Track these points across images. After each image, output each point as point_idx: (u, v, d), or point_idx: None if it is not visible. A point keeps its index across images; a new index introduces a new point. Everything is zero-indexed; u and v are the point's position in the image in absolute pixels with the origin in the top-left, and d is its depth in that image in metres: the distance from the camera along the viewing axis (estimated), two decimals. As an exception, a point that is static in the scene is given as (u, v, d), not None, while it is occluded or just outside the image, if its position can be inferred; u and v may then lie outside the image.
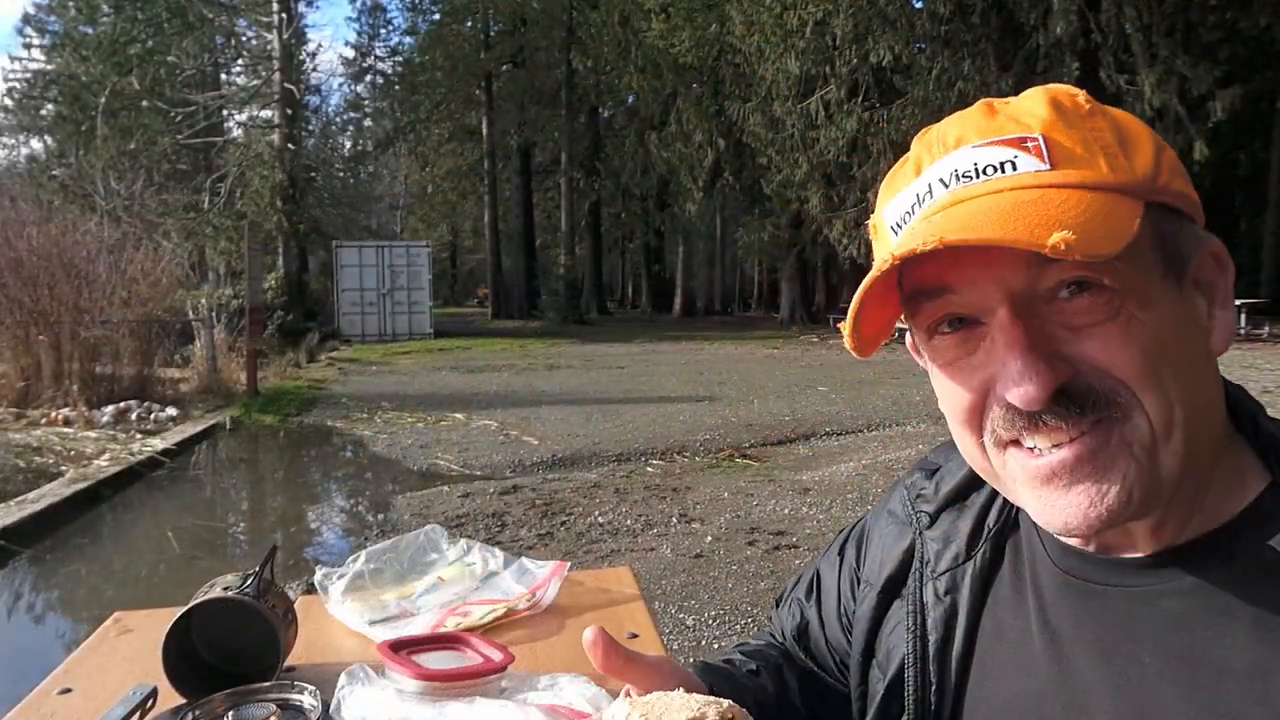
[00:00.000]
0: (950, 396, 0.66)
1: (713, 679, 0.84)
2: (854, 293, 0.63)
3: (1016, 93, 0.70)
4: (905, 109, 18.26)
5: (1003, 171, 0.60)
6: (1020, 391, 0.58)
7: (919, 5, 18.66)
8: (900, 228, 0.65)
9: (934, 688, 0.75)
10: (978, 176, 0.61)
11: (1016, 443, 0.62)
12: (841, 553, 0.93)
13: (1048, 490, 0.61)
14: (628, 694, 0.67)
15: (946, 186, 0.62)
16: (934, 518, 0.80)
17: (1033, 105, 0.64)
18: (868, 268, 0.65)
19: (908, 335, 0.72)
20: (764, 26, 19.88)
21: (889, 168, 0.72)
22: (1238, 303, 15.96)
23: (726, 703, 0.47)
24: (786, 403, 10.58)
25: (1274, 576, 0.58)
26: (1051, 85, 0.67)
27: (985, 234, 0.54)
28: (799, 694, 0.93)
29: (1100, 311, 0.58)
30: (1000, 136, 0.62)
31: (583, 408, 10.37)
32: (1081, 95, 0.65)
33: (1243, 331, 16.15)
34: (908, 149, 0.70)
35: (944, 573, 0.77)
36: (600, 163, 33.70)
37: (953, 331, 0.64)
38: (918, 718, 0.76)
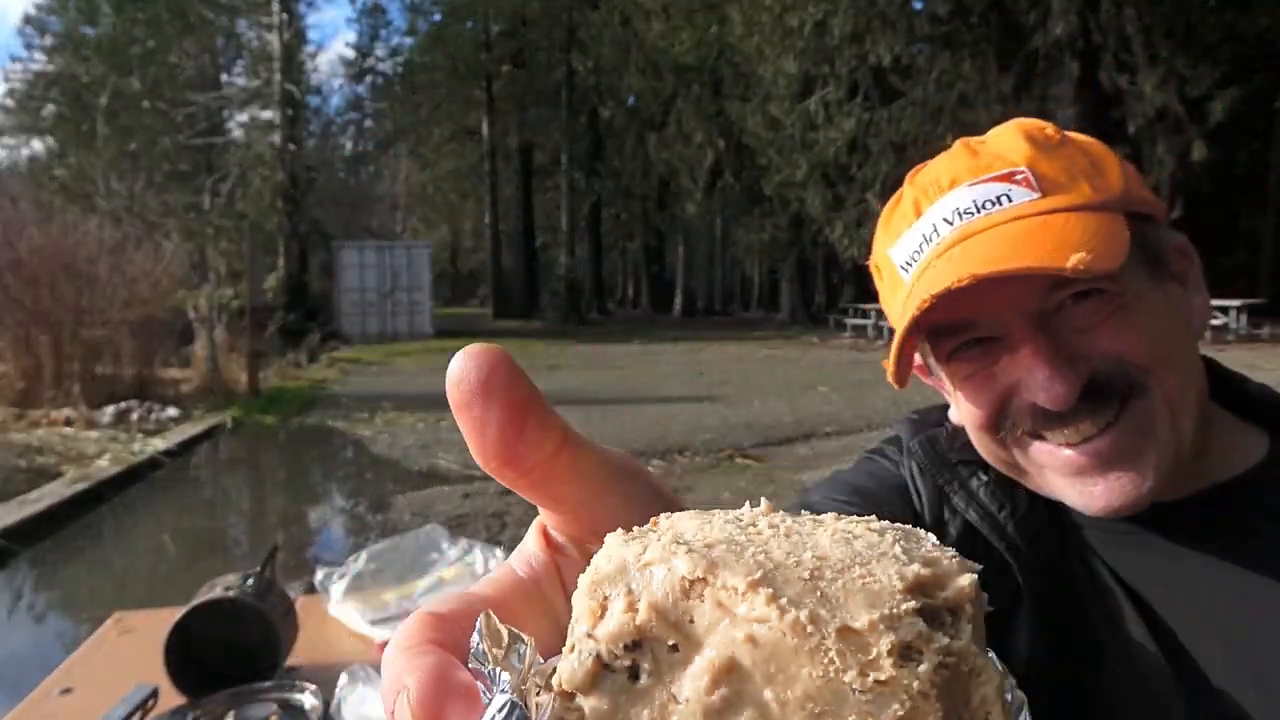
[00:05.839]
0: (971, 405, 0.71)
1: None
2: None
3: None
4: (905, 109, 18.23)
5: (999, 204, 0.67)
6: (1050, 394, 0.64)
7: (919, 6, 18.65)
8: (910, 265, 0.71)
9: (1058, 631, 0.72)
10: (978, 211, 0.67)
11: (1034, 435, 0.68)
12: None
13: (1083, 479, 0.66)
14: (551, 534, 0.27)
15: (950, 224, 0.68)
16: (985, 464, 0.76)
17: (1010, 141, 0.70)
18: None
19: (916, 357, 0.77)
20: (764, 27, 19.88)
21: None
22: (1238, 303, 16.07)
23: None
24: (786, 403, 10.58)
25: None
26: (1018, 120, 0.73)
27: (1009, 264, 0.60)
28: None
29: (1104, 311, 0.65)
30: (990, 174, 0.68)
31: (583, 408, 10.36)
32: (1050, 127, 0.71)
33: (1243, 331, 16.14)
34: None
35: (1026, 515, 0.73)
36: (600, 163, 33.72)
37: (971, 350, 0.70)
38: (1054, 660, 0.70)
